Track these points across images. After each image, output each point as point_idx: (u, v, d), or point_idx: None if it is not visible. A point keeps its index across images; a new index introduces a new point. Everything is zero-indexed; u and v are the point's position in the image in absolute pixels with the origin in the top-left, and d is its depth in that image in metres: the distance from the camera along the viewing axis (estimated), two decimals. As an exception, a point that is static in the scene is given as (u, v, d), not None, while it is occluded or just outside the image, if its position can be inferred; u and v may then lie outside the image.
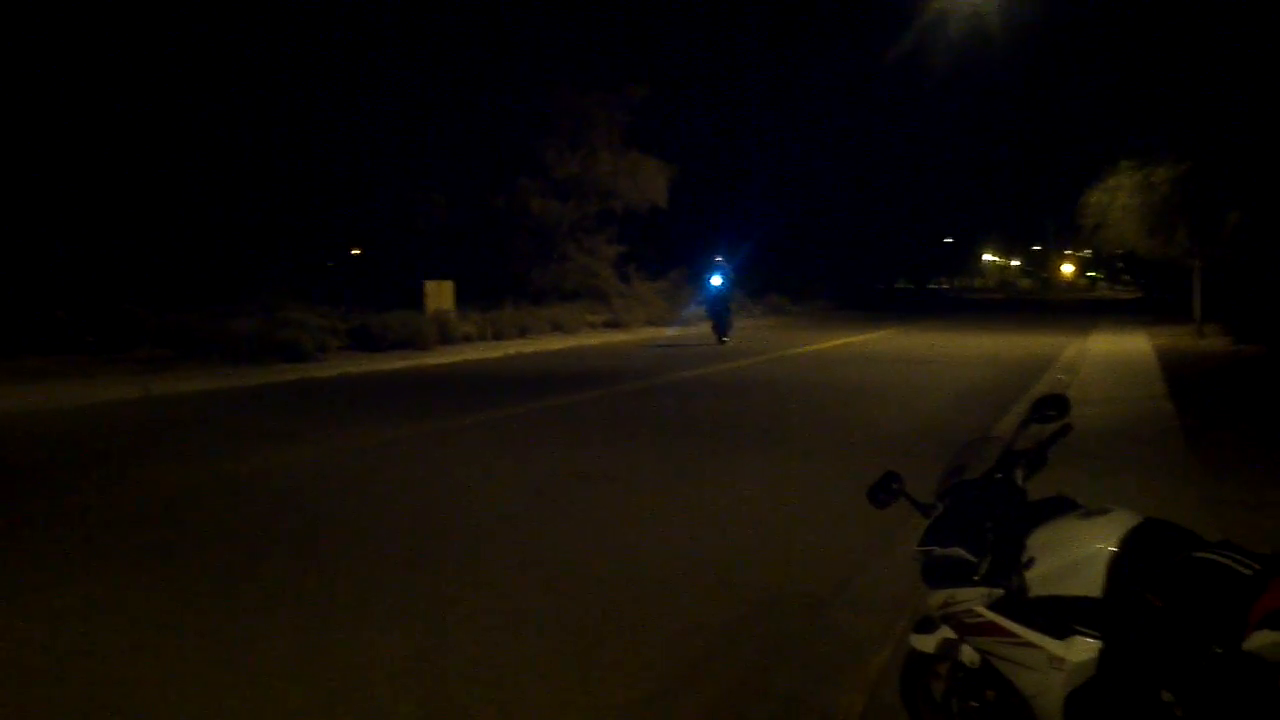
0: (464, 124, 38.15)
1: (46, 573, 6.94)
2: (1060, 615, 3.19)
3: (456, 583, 6.74)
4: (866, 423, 14.39)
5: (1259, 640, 2.70)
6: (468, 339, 28.83)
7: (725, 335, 29.66)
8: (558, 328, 33.41)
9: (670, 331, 36.01)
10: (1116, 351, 24.74)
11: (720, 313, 30.13)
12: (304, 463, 11.24)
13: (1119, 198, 29.31)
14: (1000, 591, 3.40)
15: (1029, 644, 3.26)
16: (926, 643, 3.86)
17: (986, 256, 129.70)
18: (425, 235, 38.09)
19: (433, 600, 6.38)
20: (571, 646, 5.62)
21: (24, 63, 24.35)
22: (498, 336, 30.02)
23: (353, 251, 43.25)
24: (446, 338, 27.87)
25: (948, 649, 3.76)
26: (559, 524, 8.35)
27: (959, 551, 3.53)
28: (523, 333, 31.18)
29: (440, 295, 31.04)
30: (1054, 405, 3.77)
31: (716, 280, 30.46)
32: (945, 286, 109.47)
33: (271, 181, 32.66)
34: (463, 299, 31.93)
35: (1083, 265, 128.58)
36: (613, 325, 36.64)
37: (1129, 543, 3.15)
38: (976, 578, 3.47)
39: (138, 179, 27.56)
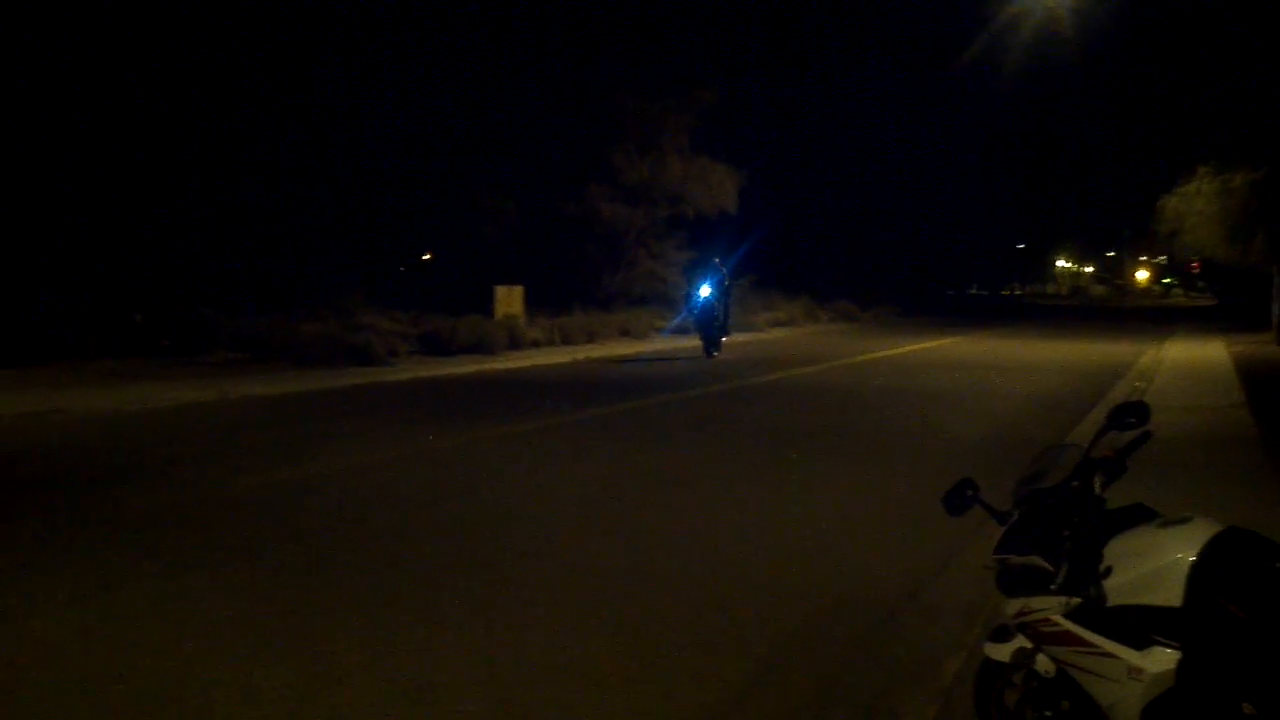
0: (535, 130, 38.29)
1: (118, 572, 7.04)
2: (1139, 625, 3.16)
3: (526, 585, 6.77)
4: (938, 429, 14.29)
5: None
6: (536, 344, 28.92)
7: (715, 349, 26.68)
8: (626, 333, 33.45)
9: (742, 337, 35.93)
10: (1193, 359, 24.38)
11: (708, 324, 26.97)
12: (374, 466, 11.34)
13: (1196, 204, 28.88)
14: (1078, 600, 3.37)
15: (1106, 654, 3.23)
16: (1001, 651, 3.83)
17: (1060, 263, 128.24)
18: (495, 241, 38.25)
19: (502, 603, 6.41)
20: (641, 650, 5.62)
21: (102, 71, 24.75)
22: (566, 341, 30.09)
23: (424, 257, 43.53)
24: (515, 343, 28.00)
25: (1023, 658, 3.72)
26: (629, 527, 8.36)
27: (1035, 560, 3.50)
28: (591, 338, 31.24)
29: (510, 300, 31.20)
30: (1133, 412, 3.71)
31: (705, 291, 27.15)
32: (1018, 293, 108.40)
33: (345, 187, 32.96)
34: (532, 304, 32.07)
35: (1157, 272, 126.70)
36: (682, 330, 36.61)
37: (1209, 552, 3.11)
38: (1053, 586, 3.44)
39: (213, 185, 27.89)
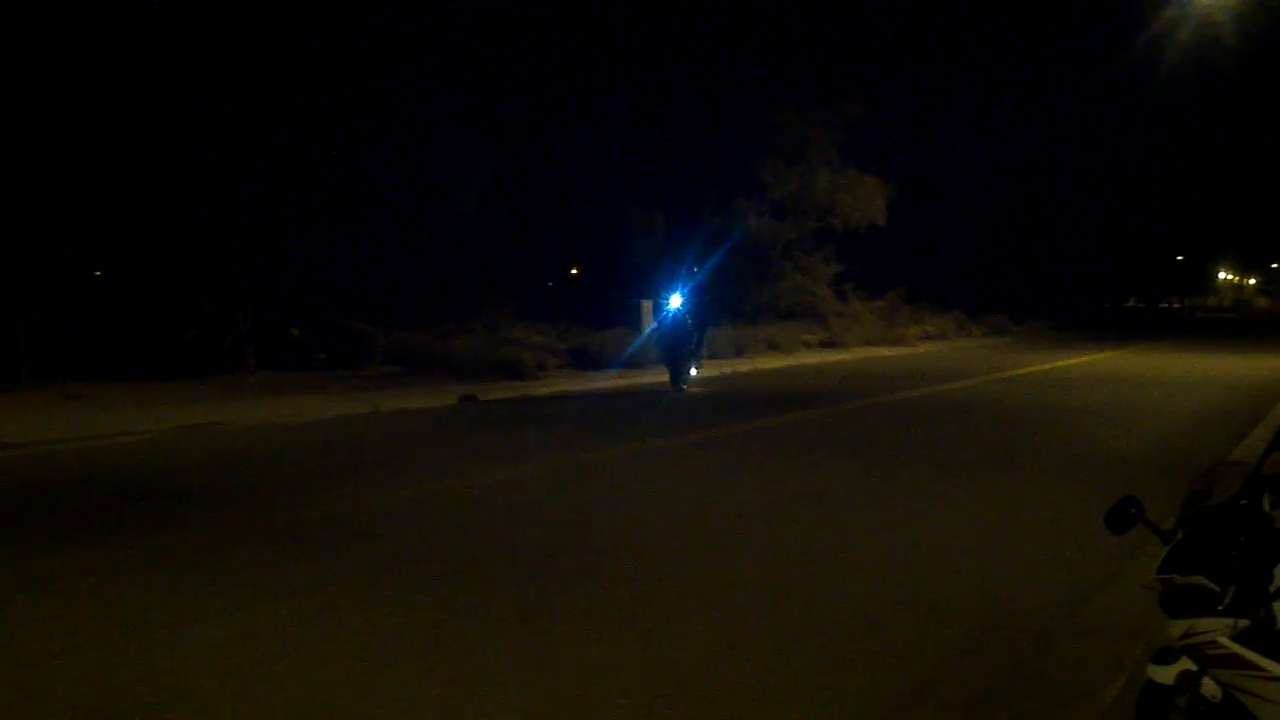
0: (682, 144, 38.46)
1: (276, 582, 7.23)
2: (1312, 649, 3.04)
3: (675, 599, 6.77)
4: (1095, 445, 13.94)
5: None
6: (684, 358, 28.96)
7: (682, 381, 21.36)
8: (774, 347, 33.33)
9: (888, 351, 35.54)
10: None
11: (675, 348, 21.72)
12: (524, 479, 11.47)
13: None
14: (1246, 622, 3.25)
15: (1276, 678, 3.11)
16: (1165, 674, 3.70)
17: (1221, 275, 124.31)
18: (643, 255, 38.47)
19: (653, 616, 6.42)
20: (794, 668, 5.58)
21: (273, 92, 25.60)
22: (713, 356, 30.07)
23: (571, 271, 43.97)
24: (663, 356, 28.06)
25: (1187, 681, 3.60)
26: (777, 543, 8.30)
27: (1201, 580, 3.39)
28: (738, 352, 31.19)
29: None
30: (1305, 429, 3.57)
31: (676, 301, 21.84)
32: (1176, 305, 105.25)
33: (493, 203, 33.46)
34: (680, 318, 32.11)
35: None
36: (830, 345, 36.36)
37: (1389, 575, 2.98)
38: (1220, 608, 3.32)
39: (369, 203, 28.55)
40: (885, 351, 35.44)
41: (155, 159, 23.95)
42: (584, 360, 26.03)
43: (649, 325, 30.62)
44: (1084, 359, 31.25)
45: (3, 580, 7.19)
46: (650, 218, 38.10)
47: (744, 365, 28.36)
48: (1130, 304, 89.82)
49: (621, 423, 16.80)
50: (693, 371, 21.87)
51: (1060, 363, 29.56)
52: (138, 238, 24.99)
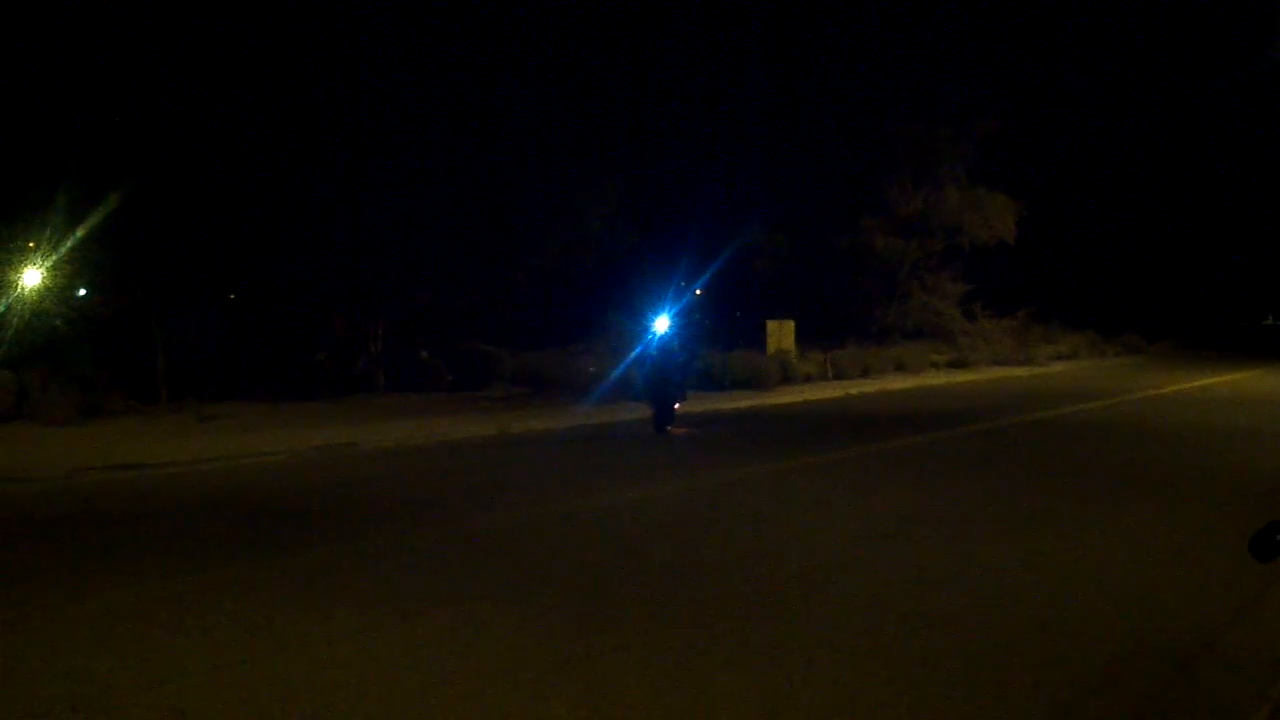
0: (807, 164, 38.38)
1: (410, 601, 7.32)
2: None
3: (804, 622, 6.70)
4: (1236, 468, 13.53)
5: None
6: (809, 378, 28.86)
7: (668, 421, 18.14)
8: (900, 367, 33.00)
9: (1018, 371, 34.93)
10: None
11: (661, 385, 18.37)
12: (653, 500, 11.48)
13: None
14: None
15: None
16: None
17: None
18: (767, 275, 38.39)
19: (781, 638, 6.36)
20: (929, 693, 5.48)
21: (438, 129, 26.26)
22: (839, 376, 29.90)
23: (695, 293, 44.07)
24: (788, 377, 28.01)
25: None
26: (899, 569, 8.17)
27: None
28: (865, 372, 30.94)
29: (782, 335, 31.25)
30: None
31: (661, 324, 18.67)
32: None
33: (616, 224, 33.65)
34: (803, 338, 32.01)
35: None
36: (958, 365, 35.88)
37: None
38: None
39: (496, 231, 28.92)
40: (1015, 371, 34.84)
41: (289, 187, 24.54)
42: (709, 381, 26.01)
43: (774, 347, 30.57)
44: (1222, 379, 30.38)
45: (145, 598, 7.38)
46: (774, 238, 38.06)
47: (870, 386, 28.11)
48: (1270, 322, 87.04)
49: (747, 444, 16.74)
50: (676, 406, 18.40)
51: (1198, 382, 28.78)
52: (271, 262, 25.62)
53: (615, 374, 23.81)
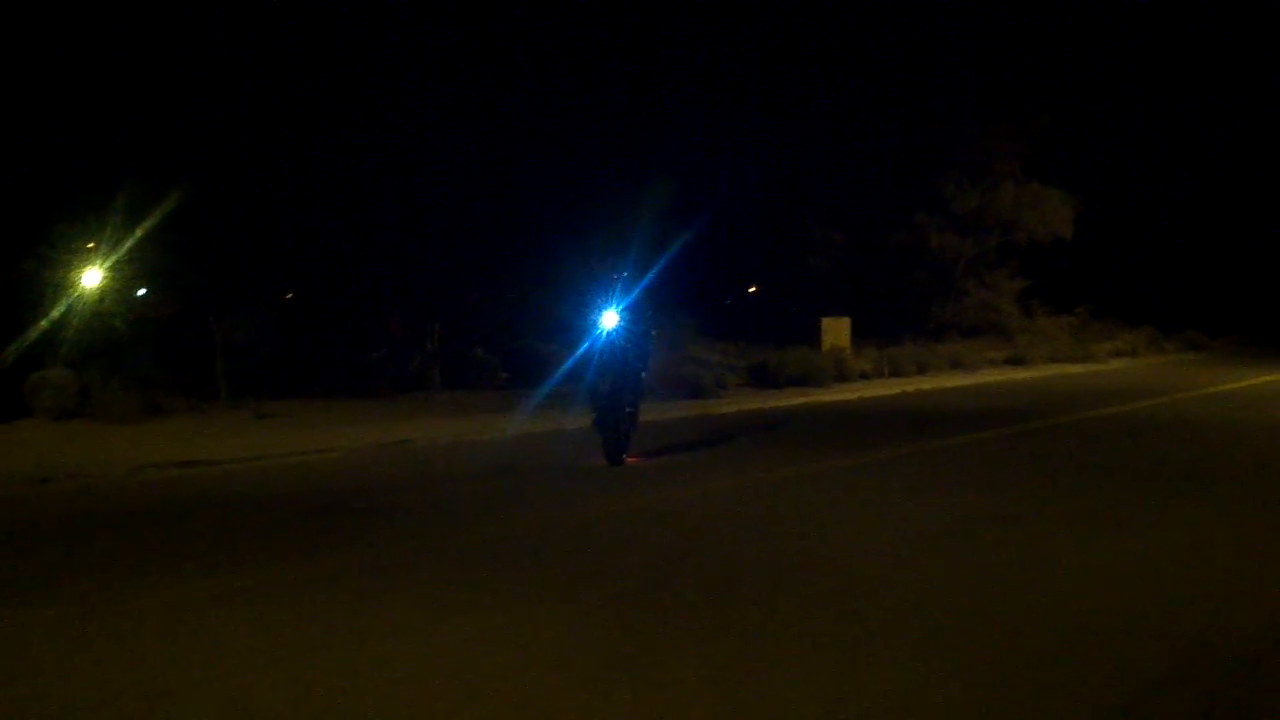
0: (863, 160, 38.19)
1: (460, 599, 7.34)
2: None
3: (862, 622, 6.64)
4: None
5: None
6: (864, 376, 28.69)
7: (622, 449, 13.79)
8: (957, 364, 32.74)
9: (1076, 368, 34.58)
10: None
11: (614, 393, 13.87)
12: (711, 495, 11.47)
13: None
14: None
15: None
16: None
17: None
18: (822, 272, 38.26)
19: (840, 638, 6.31)
20: (984, 692, 5.42)
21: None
22: (895, 373, 29.70)
23: (750, 289, 43.94)
24: (843, 374, 27.86)
25: None
26: (961, 567, 8.10)
27: None
28: (921, 369, 30.72)
29: (837, 332, 31.13)
30: None
31: (609, 320, 13.96)
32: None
33: (672, 222, 33.62)
34: (858, 335, 31.87)
35: None
36: (1015, 362, 35.55)
37: None
38: None
39: (552, 226, 29.01)
40: (1073, 368, 34.47)
41: (346, 188, 24.74)
42: (764, 378, 25.95)
43: (829, 344, 30.42)
44: (1290, 375, 29.92)
45: (205, 594, 7.46)
46: (829, 234, 37.91)
47: (926, 383, 27.93)
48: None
49: (804, 440, 16.68)
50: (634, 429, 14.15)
51: (1261, 379, 28.33)
52: (328, 263, 25.84)
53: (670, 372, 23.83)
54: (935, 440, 16.02)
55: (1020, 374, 32.20)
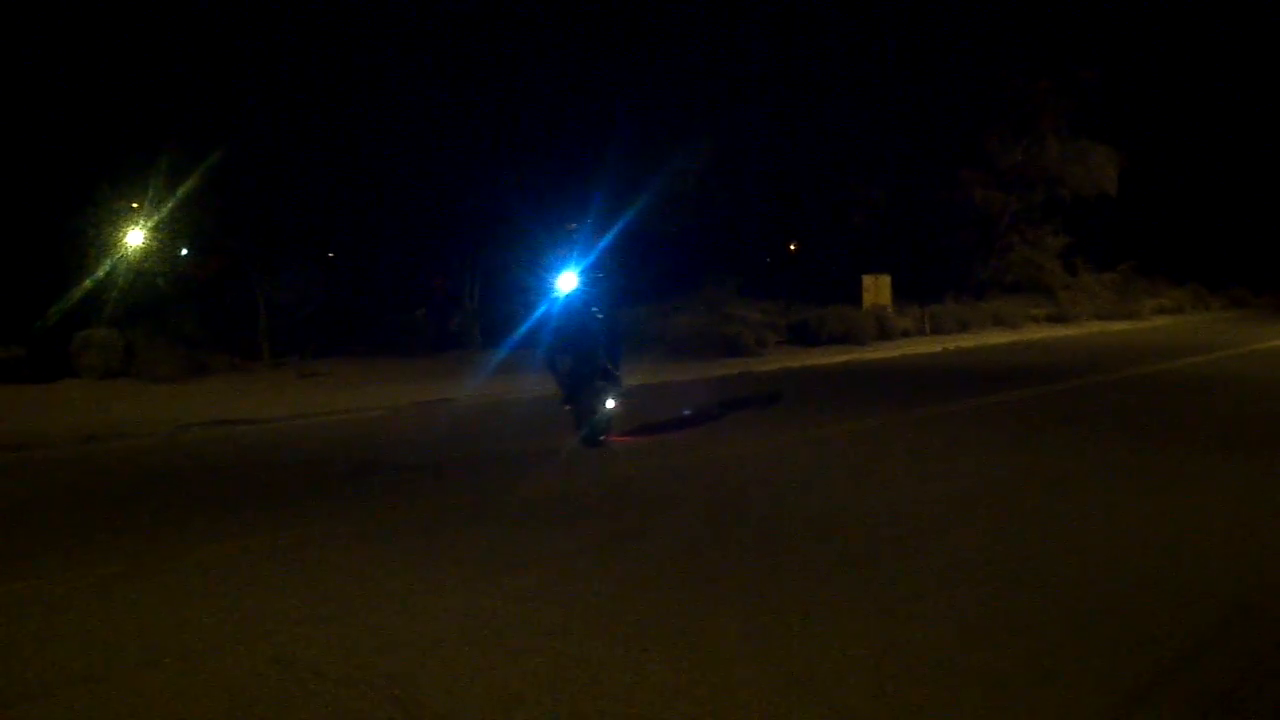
0: (905, 116, 37.80)
1: (504, 556, 7.37)
2: None
3: (904, 581, 6.61)
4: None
5: None
6: (905, 333, 28.60)
7: (597, 429, 12.02)
8: (999, 322, 32.56)
9: (1120, 325, 34.27)
10: None
11: (584, 359, 12.20)
12: (750, 456, 11.46)
13: None
14: None
15: None
16: None
17: None
18: (863, 229, 38.01)
19: (881, 597, 6.28)
20: (1026, 650, 5.38)
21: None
22: (936, 331, 29.58)
23: (790, 247, 43.69)
24: (884, 332, 27.78)
25: None
26: (1008, 524, 8.04)
27: None
28: (963, 327, 30.57)
29: (878, 290, 30.97)
30: None
31: (567, 281, 12.47)
32: None
33: (714, 181, 33.45)
34: (900, 293, 31.69)
35: None
36: (1057, 319, 35.31)
37: None
38: None
39: (587, 185, 28.96)
40: (1117, 326, 34.20)
41: (386, 148, 24.79)
42: (805, 336, 25.87)
43: (870, 301, 30.27)
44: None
45: (250, 550, 7.52)
46: (871, 191, 37.62)
47: (968, 341, 27.80)
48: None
49: (847, 396, 16.62)
50: (610, 404, 12.18)
51: (1311, 336, 28.00)
52: (369, 222, 25.91)
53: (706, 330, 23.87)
54: (975, 398, 15.91)
55: (1063, 331, 31.98)
